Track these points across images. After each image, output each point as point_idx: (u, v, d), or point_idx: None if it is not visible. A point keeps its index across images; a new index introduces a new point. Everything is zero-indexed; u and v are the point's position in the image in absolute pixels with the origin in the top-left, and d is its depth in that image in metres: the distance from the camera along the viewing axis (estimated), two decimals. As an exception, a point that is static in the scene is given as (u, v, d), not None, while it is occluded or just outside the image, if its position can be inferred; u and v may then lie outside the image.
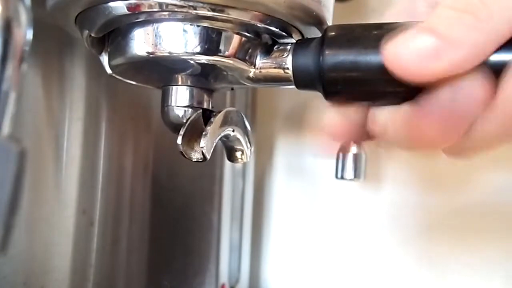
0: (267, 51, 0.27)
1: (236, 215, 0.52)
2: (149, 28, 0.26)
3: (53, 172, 0.34)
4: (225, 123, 0.28)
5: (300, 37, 0.28)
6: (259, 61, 0.27)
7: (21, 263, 0.32)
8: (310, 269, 0.59)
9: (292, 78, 0.26)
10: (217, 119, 0.28)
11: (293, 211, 0.60)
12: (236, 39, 0.26)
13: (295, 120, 0.60)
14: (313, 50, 0.25)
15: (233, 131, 0.29)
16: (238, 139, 0.30)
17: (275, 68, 0.27)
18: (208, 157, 0.27)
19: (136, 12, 0.25)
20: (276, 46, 0.27)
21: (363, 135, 0.26)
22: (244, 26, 0.26)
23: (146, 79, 0.31)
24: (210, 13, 0.25)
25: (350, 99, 0.25)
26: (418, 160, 0.53)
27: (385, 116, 0.24)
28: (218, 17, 0.25)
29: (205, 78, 0.28)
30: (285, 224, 0.61)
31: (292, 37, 0.28)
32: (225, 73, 0.27)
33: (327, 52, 0.24)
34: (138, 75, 0.30)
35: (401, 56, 0.21)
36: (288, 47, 0.27)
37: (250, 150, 0.31)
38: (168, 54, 0.26)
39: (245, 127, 0.30)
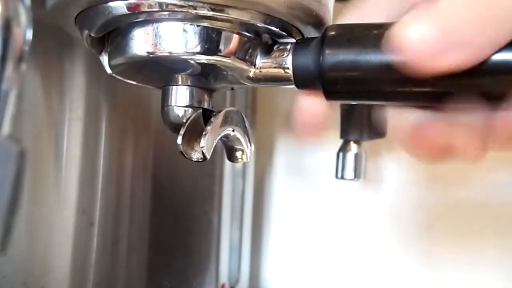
0: (267, 50, 0.27)
1: (236, 215, 0.52)
2: (149, 28, 0.26)
3: (53, 172, 0.34)
4: (225, 123, 0.28)
5: (300, 37, 0.28)
6: (259, 60, 0.27)
7: (21, 263, 0.32)
8: (310, 269, 0.59)
9: (292, 78, 0.26)
10: (217, 119, 0.28)
11: (293, 211, 0.60)
12: (236, 39, 0.26)
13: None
14: (313, 49, 0.25)
15: (233, 131, 0.29)
16: (238, 139, 0.30)
17: (275, 67, 0.27)
18: (208, 157, 0.27)
19: (136, 12, 0.25)
20: (276, 46, 0.27)
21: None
22: (244, 26, 0.26)
23: (146, 79, 0.31)
24: (210, 13, 0.25)
25: (350, 99, 0.25)
26: (417, 160, 0.53)
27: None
28: (218, 16, 0.25)
29: (205, 78, 0.28)
30: (285, 224, 0.61)
31: (292, 36, 0.28)
32: (225, 73, 0.27)
33: (327, 52, 0.24)
34: (138, 75, 0.30)
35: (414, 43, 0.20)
36: (288, 46, 0.27)
37: (250, 150, 0.31)
38: (168, 54, 0.26)
39: (245, 127, 0.30)
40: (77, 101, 0.35)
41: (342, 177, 0.48)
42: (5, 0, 0.19)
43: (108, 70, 0.29)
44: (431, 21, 0.20)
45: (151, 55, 0.26)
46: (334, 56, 0.24)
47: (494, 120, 0.22)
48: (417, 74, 0.20)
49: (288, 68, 0.26)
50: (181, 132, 0.27)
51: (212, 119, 0.28)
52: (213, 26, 0.26)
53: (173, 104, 0.29)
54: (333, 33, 0.25)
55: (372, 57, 0.23)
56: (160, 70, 0.28)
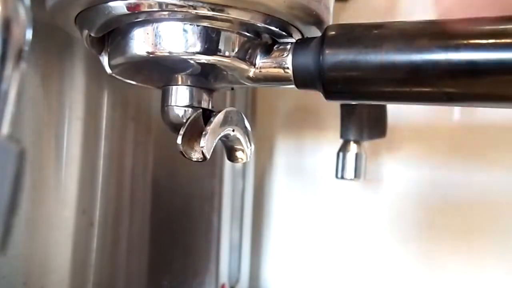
0: (267, 50, 0.27)
1: (236, 215, 0.52)
2: (149, 28, 0.26)
3: (53, 172, 0.34)
4: (225, 123, 0.28)
5: (300, 37, 0.28)
6: (259, 60, 0.27)
7: (21, 263, 0.32)
8: (310, 269, 0.59)
9: (292, 78, 0.26)
10: (217, 119, 0.28)
11: (293, 211, 0.60)
12: (236, 38, 0.26)
13: (295, 120, 0.60)
14: (313, 49, 0.25)
15: (233, 131, 0.29)
16: (238, 139, 0.30)
17: (275, 67, 0.27)
18: (208, 156, 0.27)
19: (136, 11, 0.25)
20: (276, 46, 0.27)
21: None
22: (244, 26, 0.26)
23: (146, 79, 0.31)
24: (210, 13, 0.25)
25: (350, 99, 0.25)
26: (417, 160, 0.53)
27: None
28: (218, 16, 0.25)
29: (205, 78, 0.28)
30: (285, 223, 0.61)
31: (292, 36, 0.28)
32: (225, 72, 0.27)
33: (327, 52, 0.24)
34: (138, 75, 0.30)
35: None
36: (288, 46, 0.27)
37: (250, 150, 0.31)
38: (168, 54, 0.26)
39: (245, 127, 0.30)
40: (77, 101, 0.35)
41: (342, 177, 0.48)
42: (5, 0, 0.19)
43: (108, 70, 0.29)
44: None
45: (151, 55, 0.26)
46: (334, 56, 0.24)
47: None
48: None
49: (288, 68, 0.26)
50: (181, 132, 0.27)
51: (212, 119, 0.28)
52: (213, 26, 0.26)
53: (173, 104, 0.29)
54: (333, 33, 0.25)
55: (372, 57, 0.23)
56: (160, 70, 0.28)
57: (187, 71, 0.27)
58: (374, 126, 0.47)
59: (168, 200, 0.42)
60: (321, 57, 0.24)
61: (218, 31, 0.26)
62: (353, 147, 0.47)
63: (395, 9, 0.55)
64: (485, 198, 0.50)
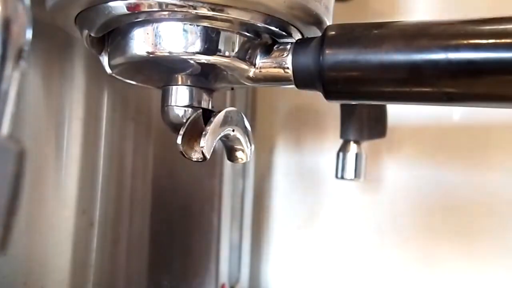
0: (267, 50, 0.27)
1: (236, 215, 0.52)
2: (149, 28, 0.26)
3: (53, 172, 0.34)
4: (225, 123, 0.28)
5: (300, 37, 0.28)
6: (259, 60, 0.27)
7: (21, 263, 0.32)
8: (310, 269, 0.59)
9: (292, 78, 0.26)
10: (217, 119, 0.28)
11: (293, 211, 0.60)
12: (236, 38, 0.26)
13: (295, 120, 0.60)
14: (313, 49, 0.25)
15: (233, 131, 0.29)
16: (238, 139, 0.30)
17: (275, 67, 0.27)
18: (208, 156, 0.27)
19: (136, 11, 0.25)
20: (276, 46, 0.27)
21: None
22: (244, 26, 0.26)
23: (146, 79, 0.31)
24: (210, 13, 0.25)
25: (350, 99, 0.25)
26: (418, 160, 0.53)
27: None
28: (218, 16, 0.25)
29: (205, 78, 0.28)
30: (285, 224, 0.61)
31: (292, 36, 0.28)
32: (225, 72, 0.27)
33: (327, 52, 0.24)
34: (138, 75, 0.30)
35: None
36: (288, 46, 0.27)
37: (250, 150, 0.31)
38: (168, 54, 0.26)
39: (245, 127, 0.30)
40: (77, 101, 0.35)
41: (342, 177, 0.48)
42: (4, 0, 0.19)
43: (108, 70, 0.29)
44: None
45: (151, 55, 0.26)
46: (334, 56, 0.24)
47: None
48: None
49: (288, 68, 0.26)
50: (181, 132, 0.27)
51: (212, 119, 0.28)
52: (213, 26, 0.26)
53: (173, 104, 0.29)
54: (333, 33, 0.25)
55: (372, 57, 0.23)
56: (160, 70, 0.28)
57: (187, 71, 0.27)
58: (374, 126, 0.47)
59: (168, 200, 0.42)
60: (321, 57, 0.24)
61: (218, 31, 0.26)
62: (353, 147, 0.47)
63: (395, 9, 0.55)
64: (485, 198, 0.50)
